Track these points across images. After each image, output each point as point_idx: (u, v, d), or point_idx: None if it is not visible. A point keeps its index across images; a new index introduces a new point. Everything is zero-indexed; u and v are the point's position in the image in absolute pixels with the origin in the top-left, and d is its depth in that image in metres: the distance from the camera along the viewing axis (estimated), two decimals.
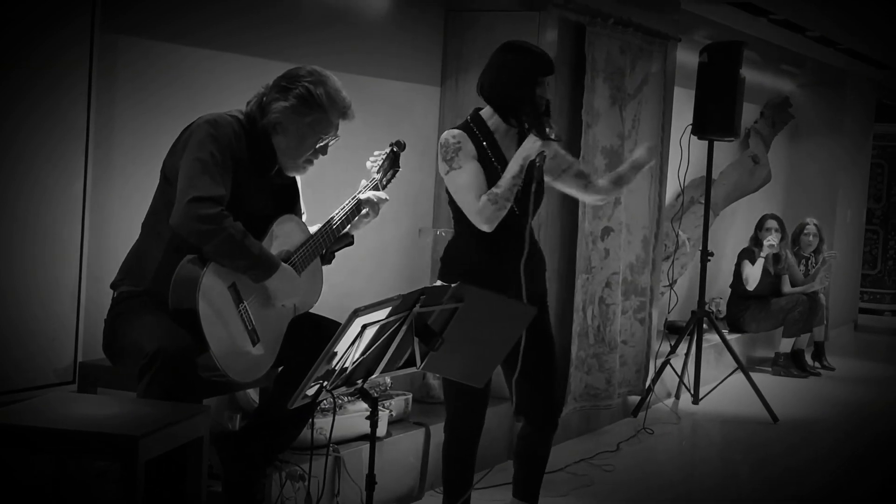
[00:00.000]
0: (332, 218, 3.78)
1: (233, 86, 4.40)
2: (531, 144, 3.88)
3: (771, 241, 8.34)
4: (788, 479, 5.64)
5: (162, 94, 4.22)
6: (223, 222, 3.35)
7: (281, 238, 3.64)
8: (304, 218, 3.83)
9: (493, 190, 3.86)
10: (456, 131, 4.00)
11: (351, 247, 3.93)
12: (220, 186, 3.40)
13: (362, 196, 3.84)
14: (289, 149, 3.64)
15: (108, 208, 4.03)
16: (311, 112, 3.59)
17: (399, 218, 5.52)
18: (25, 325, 3.69)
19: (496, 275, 3.89)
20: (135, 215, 3.72)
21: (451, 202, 4.05)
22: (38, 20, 3.63)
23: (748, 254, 8.52)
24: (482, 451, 4.29)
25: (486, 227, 3.88)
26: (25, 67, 3.61)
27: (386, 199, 3.90)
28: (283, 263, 3.56)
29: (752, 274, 8.38)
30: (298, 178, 3.84)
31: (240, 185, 3.52)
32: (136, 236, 3.65)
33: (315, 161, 3.71)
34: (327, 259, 3.90)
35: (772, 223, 8.50)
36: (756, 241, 8.55)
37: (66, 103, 3.75)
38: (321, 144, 3.67)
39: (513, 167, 3.88)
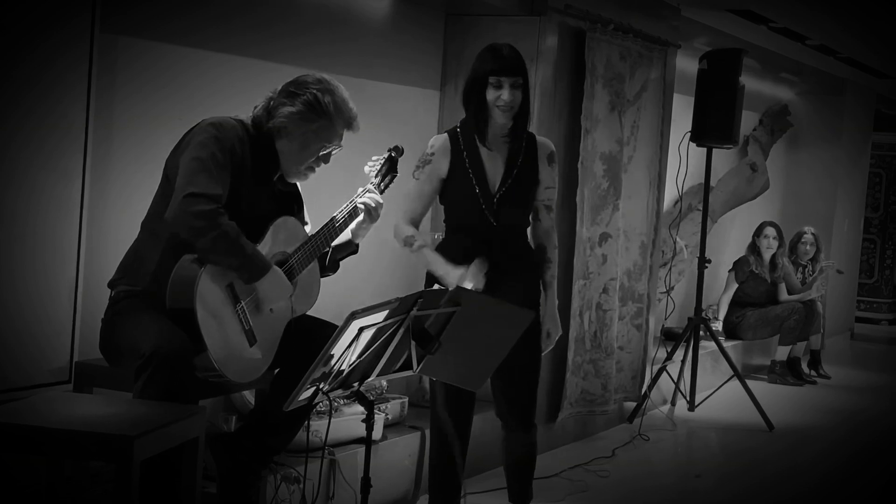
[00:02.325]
0: (329, 221, 3.78)
1: (232, 87, 4.40)
2: (455, 281, 3.82)
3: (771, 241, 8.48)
4: (782, 487, 5.64)
5: (161, 94, 4.22)
6: (218, 219, 3.35)
7: (278, 239, 3.64)
8: (307, 229, 3.83)
9: (416, 239, 3.97)
10: (440, 139, 4.05)
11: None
12: (218, 185, 3.41)
13: (359, 200, 3.84)
14: (292, 154, 3.65)
15: (105, 208, 4.02)
16: (318, 119, 3.61)
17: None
18: (22, 324, 3.68)
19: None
20: (133, 215, 3.71)
21: (442, 203, 4.07)
22: (38, 20, 3.63)
23: (741, 264, 8.52)
24: (473, 457, 4.30)
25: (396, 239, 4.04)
26: (25, 67, 3.60)
27: (382, 204, 3.90)
28: (274, 266, 3.55)
29: (725, 293, 8.53)
30: (299, 185, 3.84)
31: (241, 189, 3.53)
32: (134, 236, 3.64)
33: (316, 169, 3.73)
34: (332, 268, 3.91)
35: (770, 230, 8.52)
36: (753, 248, 8.56)
37: (66, 103, 3.74)
38: (324, 152, 3.69)
39: (436, 269, 3.93)
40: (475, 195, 3.98)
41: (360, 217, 3.84)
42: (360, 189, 3.90)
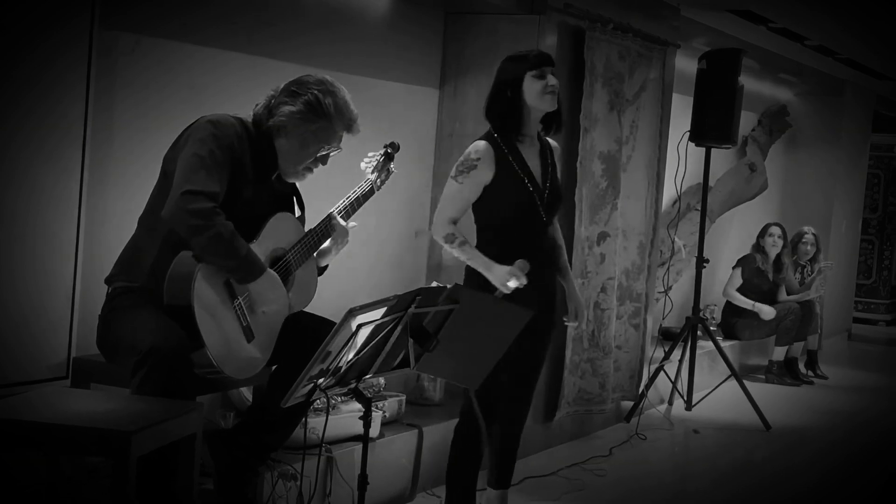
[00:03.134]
0: (326, 217, 3.79)
1: (231, 85, 4.40)
2: (501, 276, 3.92)
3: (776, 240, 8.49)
4: (779, 487, 5.65)
5: (160, 91, 4.22)
6: (214, 219, 3.34)
7: (275, 235, 3.64)
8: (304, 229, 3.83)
9: (457, 236, 4.01)
10: (482, 146, 4.06)
11: (348, 246, 3.95)
12: (216, 183, 3.40)
13: (335, 225, 3.82)
14: (290, 153, 3.65)
15: (104, 204, 4.02)
16: (318, 120, 3.61)
17: (396, 220, 5.52)
18: (20, 320, 3.68)
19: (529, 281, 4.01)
20: (131, 212, 3.71)
21: (476, 208, 4.10)
22: (38, 17, 3.62)
23: (748, 261, 8.52)
24: None
25: (435, 237, 4.09)
26: (25, 65, 3.60)
27: (347, 233, 3.87)
28: (268, 269, 3.55)
29: (731, 285, 8.49)
30: (298, 185, 3.84)
31: (239, 187, 3.52)
32: (132, 233, 3.64)
33: (314, 170, 3.73)
34: (319, 271, 3.90)
35: (775, 229, 8.55)
36: (758, 248, 8.58)
37: (65, 100, 3.74)
38: (322, 154, 3.68)
39: (478, 264, 3.98)
40: (529, 193, 4.05)
41: (327, 244, 3.82)
42: (356, 188, 3.91)
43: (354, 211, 3.87)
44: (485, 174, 4.03)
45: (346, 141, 3.82)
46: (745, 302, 8.43)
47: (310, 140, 3.64)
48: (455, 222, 4.07)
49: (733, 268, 8.63)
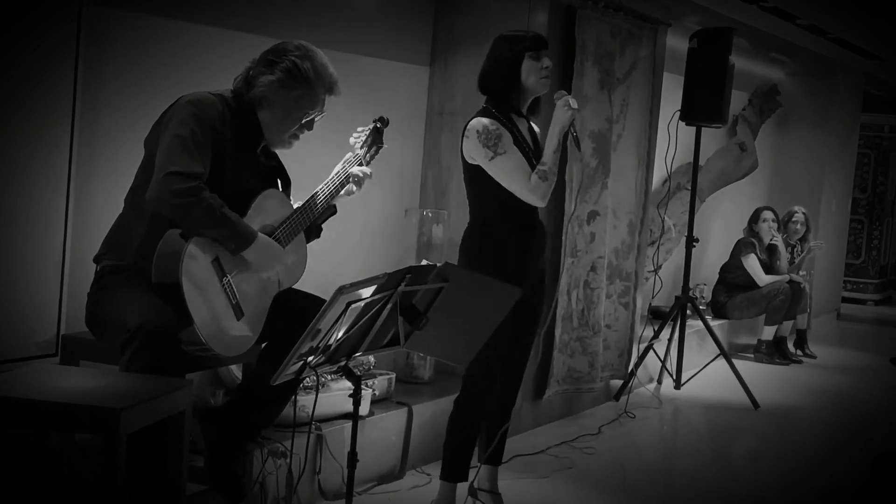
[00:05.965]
0: (316, 193, 3.78)
1: (221, 61, 4.37)
2: (563, 115, 4.01)
3: (774, 232, 8.46)
4: (768, 466, 5.67)
5: (150, 68, 4.20)
6: (200, 194, 3.33)
7: (264, 212, 3.62)
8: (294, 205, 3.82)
9: (540, 167, 4.01)
10: (486, 119, 4.05)
11: (337, 224, 3.94)
12: (199, 164, 3.38)
13: (348, 170, 3.84)
14: (274, 123, 3.63)
15: (93, 182, 4.01)
16: (297, 86, 3.59)
17: (385, 198, 5.51)
18: (9, 298, 3.68)
19: (531, 260, 4.09)
20: (120, 190, 3.70)
21: (473, 185, 4.10)
22: None
23: (751, 247, 8.50)
24: None
25: (540, 204, 4.05)
26: (11, 40, 3.58)
27: (370, 175, 3.91)
28: (260, 234, 3.54)
29: (756, 271, 8.44)
30: (280, 154, 3.82)
31: (225, 163, 3.50)
32: (121, 211, 3.63)
33: (301, 136, 3.70)
34: (315, 233, 3.90)
35: (768, 214, 8.56)
36: (752, 233, 8.59)
37: (53, 77, 3.72)
38: (307, 119, 3.66)
39: (551, 142, 4.02)
40: (532, 165, 4.05)
41: (348, 187, 3.85)
42: (347, 156, 3.89)
43: (343, 186, 3.85)
44: (510, 136, 4.04)
45: (336, 117, 3.81)
46: (783, 277, 8.43)
47: (292, 107, 3.61)
48: (530, 176, 4.00)
49: (743, 257, 8.52)
